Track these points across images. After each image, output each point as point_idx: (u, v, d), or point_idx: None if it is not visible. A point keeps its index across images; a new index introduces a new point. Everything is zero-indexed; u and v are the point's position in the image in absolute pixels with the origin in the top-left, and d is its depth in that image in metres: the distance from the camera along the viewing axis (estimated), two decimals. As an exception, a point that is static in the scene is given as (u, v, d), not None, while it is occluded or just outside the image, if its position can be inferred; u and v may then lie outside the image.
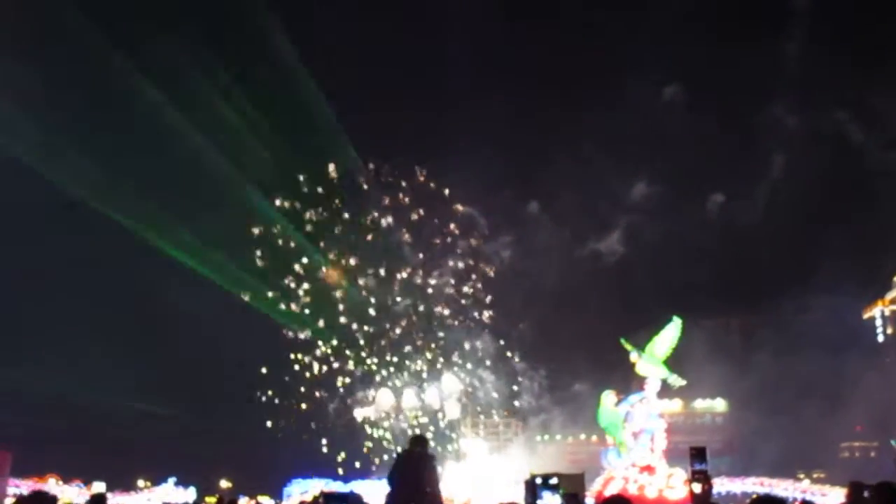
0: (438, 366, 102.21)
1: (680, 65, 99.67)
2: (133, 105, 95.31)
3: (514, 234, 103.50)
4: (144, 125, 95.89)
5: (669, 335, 63.36)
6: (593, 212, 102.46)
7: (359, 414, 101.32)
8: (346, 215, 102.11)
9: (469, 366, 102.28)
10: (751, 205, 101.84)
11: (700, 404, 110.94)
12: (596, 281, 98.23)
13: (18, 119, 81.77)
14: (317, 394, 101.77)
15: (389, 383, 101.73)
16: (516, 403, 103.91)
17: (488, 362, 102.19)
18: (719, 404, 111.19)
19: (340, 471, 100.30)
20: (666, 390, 65.66)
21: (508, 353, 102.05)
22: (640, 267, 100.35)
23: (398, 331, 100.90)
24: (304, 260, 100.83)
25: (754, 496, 18.08)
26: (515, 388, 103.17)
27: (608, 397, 65.21)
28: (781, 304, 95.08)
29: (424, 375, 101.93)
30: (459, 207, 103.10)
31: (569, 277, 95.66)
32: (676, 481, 61.97)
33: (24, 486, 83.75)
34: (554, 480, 45.25)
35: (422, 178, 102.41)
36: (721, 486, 75.08)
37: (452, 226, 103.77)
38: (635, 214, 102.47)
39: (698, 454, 48.36)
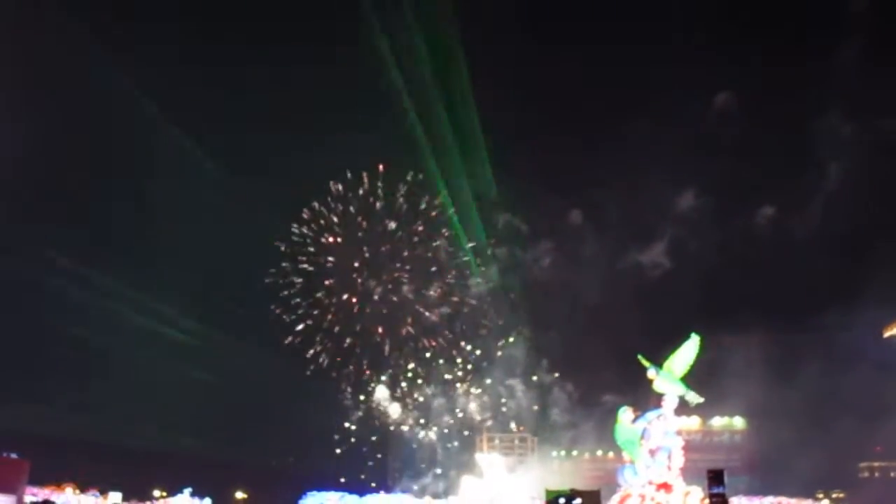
0: (469, 377, 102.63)
1: (731, 72, 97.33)
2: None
3: (554, 242, 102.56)
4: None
5: (687, 352, 62.96)
6: (638, 222, 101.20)
7: (379, 401, 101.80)
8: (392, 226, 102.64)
9: (499, 376, 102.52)
10: (800, 217, 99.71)
11: (718, 422, 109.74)
12: (636, 293, 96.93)
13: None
14: (345, 401, 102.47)
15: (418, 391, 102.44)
16: (549, 415, 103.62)
17: (518, 374, 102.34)
18: (738, 422, 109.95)
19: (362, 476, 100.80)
20: (683, 407, 65.14)
21: (539, 365, 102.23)
22: (681, 280, 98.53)
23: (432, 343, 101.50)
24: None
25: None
26: (541, 403, 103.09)
27: (625, 414, 64.57)
28: (810, 321, 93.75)
29: (457, 385, 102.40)
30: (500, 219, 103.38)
31: (609, 289, 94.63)
32: (693, 500, 61.34)
33: (42, 495, 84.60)
34: (577, 501, 44.68)
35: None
36: (739, 505, 74.38)
37: (493, 241, 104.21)
38: (680, 226, 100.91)
39: (716, 477, 47.57)
